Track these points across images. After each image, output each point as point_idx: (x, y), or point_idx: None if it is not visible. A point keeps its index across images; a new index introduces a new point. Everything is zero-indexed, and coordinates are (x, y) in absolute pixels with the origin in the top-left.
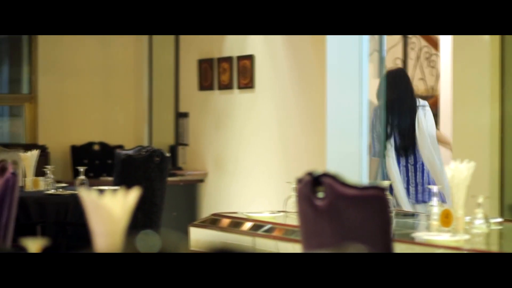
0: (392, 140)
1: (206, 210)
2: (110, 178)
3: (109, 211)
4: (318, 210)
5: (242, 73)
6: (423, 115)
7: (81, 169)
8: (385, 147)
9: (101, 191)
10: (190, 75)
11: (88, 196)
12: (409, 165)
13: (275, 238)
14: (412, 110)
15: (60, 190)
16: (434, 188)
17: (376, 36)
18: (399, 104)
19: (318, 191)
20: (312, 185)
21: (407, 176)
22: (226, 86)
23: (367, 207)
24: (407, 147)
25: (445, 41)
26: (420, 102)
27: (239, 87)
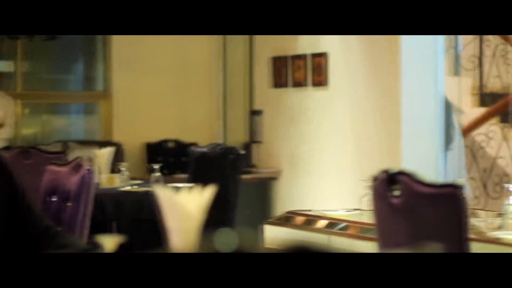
0: None
1: (280, 208)
2: (184, 175)
3: (184, 208)
4: (394, 208)
5: (316, 71)
6: None
7: (156, 166)
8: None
9: (176, 188)
10: (263, 72)
11: (163, 193)
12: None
13: (350, 236)
14: None
15: (135, 187)
16: (511, 187)
17: None
18: None
19: (393, 189)
20: (388, 183)
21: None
22: (300, 84)
23: (443, 205)
24: None
25: None
26: None
27: (313, 85)
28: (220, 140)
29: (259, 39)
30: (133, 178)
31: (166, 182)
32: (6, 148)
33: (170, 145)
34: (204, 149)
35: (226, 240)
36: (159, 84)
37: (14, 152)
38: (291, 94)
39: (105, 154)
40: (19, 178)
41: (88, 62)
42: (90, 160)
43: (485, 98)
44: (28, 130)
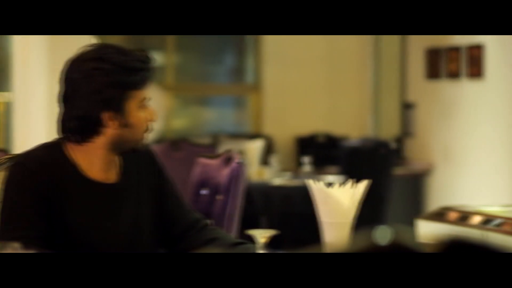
0: None
1: (433, 203)
2: (334, 169)
3: (338, 203)
4: None
5: (472, 63)
6: None
7: (307, 159)
8: None
9: (329, 183)
10: (417, 64)
11: (317, 187)
12: None
13: (506, 233)
14: None
15: (285, 180)
16: None
17: None
18: None
19: None
20: None
21: None
22: (454, 75)
23: None
24: None
25: None
26: None
27: (468, 77)
28: (371, 133)
29: None
30: (283, 171)
31: (316, 175)
32: (157, 141)
33: (321, 139)
34: (356, 143)
35: (383, 236)
36: (310, 76)
37: (164, 144)
38: (444, 86)
39: (255, 147)
40: (169, 171)
41: (238, 55)
42: (241, 153)
43: None
44: (178, 123)
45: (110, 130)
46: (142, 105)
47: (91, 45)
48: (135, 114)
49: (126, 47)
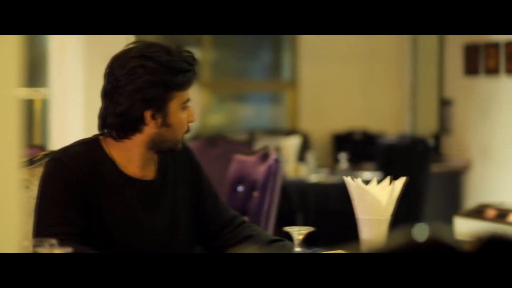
0: None
1: (470, 200)
2: (371, 166)
3: (375, 200)
4: None
5: (510, 59)
6: None
7: (343, 156)
8: None
9: (366, 180)
10: (454, 60)
11: (354, 184)
12: None
13: None
14: None
15: (322, 176)
16: None
17: None
18: None
19: None
20: None
21: None
22: (492, 72)
23: None
24: None
25: None
26: None
27: (507, 73)
28: (408, 130)
29: None
30: (319, 167)
31: (353, 172)
32: (193, 138)
33: (357, 135)
34: (393, 140)
35: (421, 233)
36: (346, 72)
37: (201, 141)
38: (483, 82)
39: (291, 144)
40: (206, 168)
41: (274, 51)
42: (278, 149)
43: None
44: (215, 119)
45: (150, 129)
46: (184, 106)
47: (136, 42)
48: (177, 114)
49: (171, 46)
